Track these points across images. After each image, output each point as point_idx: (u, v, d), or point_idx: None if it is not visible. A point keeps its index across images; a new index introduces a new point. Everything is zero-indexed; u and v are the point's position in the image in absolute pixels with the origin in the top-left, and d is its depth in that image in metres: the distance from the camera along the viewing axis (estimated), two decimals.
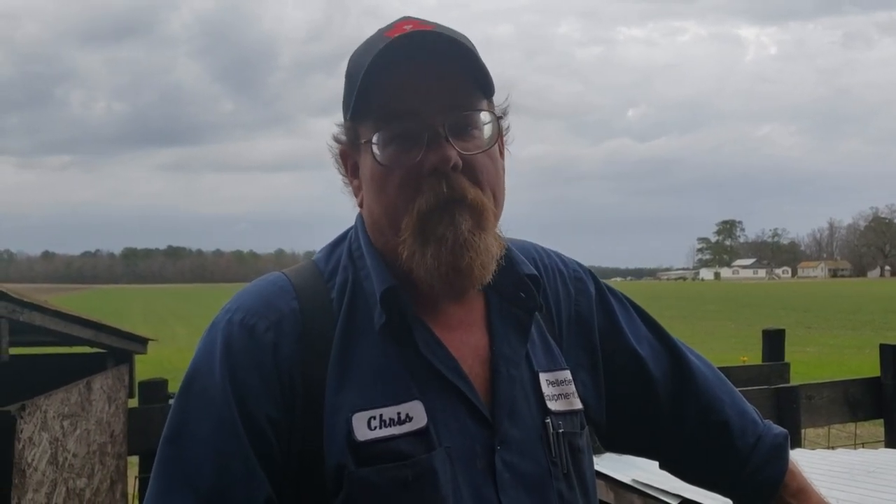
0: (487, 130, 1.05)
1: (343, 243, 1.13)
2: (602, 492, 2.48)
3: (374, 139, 1.01)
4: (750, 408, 1.30)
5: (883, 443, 4.36)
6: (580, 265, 1.29)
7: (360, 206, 1.10)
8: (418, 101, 1.00)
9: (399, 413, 0.99)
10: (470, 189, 1.01)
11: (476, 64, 1.01)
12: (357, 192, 1.11)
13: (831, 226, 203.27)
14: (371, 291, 1.05)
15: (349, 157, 1.11)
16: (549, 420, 1.09)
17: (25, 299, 2.78)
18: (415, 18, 1.05)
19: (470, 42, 1.05)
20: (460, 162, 1.00)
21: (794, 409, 3.87)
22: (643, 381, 1.24)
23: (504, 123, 1.08)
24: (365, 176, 1.06)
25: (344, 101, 1.08)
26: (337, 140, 1.11)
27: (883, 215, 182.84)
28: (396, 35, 1.00)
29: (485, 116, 1.04)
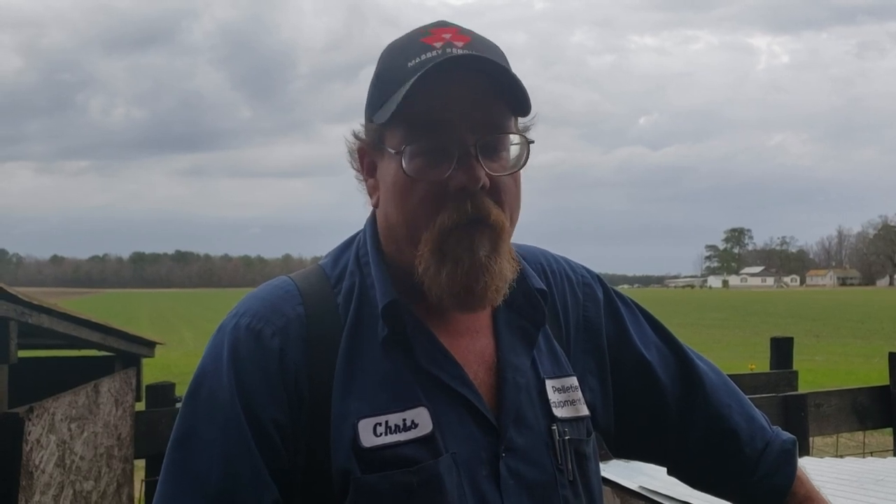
0: (514, 151, 1.04)
1: (350, 248, 1.13)
2: (608, 498, 2.47)
3: (404, 149, 1.00)
4: (758, 414, 1.30)
5: (892, 452, 4.33)
6: (588, 270, 1.29)
7: (375, 205, 1.10)
8: (453, 117, 0.99)
9: (405, 419, 0.99)
10: (493, 209, 1.01)
11: (515, 86, 1.00)
12: (372, 191, 1.10)
13: (840, 234, 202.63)
14: (377, 300, 1.05)
15: (367, 155, 1.09)
16: (555, 427, 1.08)
17: (35, 302, 2.79)
18: (452, 25, 1.05)
19: (506, 60, 1.04)
20: (489, 182, 1.00)
21: (801, 418, 3.85)
22: (651, 386, 1.24)
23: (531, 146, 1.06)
24: (385, 181, 1.05)
25: (371, 102, 1.06)
26: (357, 137, 1.10)
27: (892, 223, 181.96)
28: (436, 44, 1.01)
29: (514, 138, 1.04)
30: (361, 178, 1.13)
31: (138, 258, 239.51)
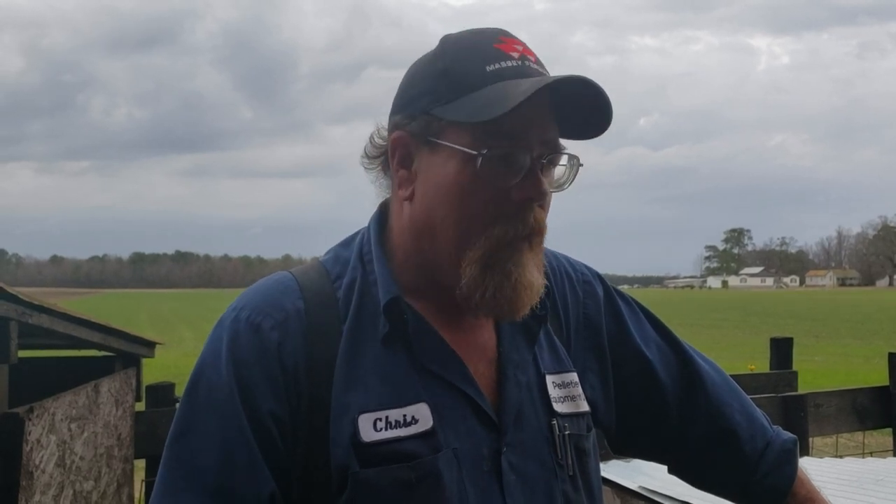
0: (560, 169, 1.07)
1: (352, 245, 1.13)
2: (608, 498, 2.47)
3: (485, 152, 0.98)
4: (759, 413, 1.30)
5: (892, 452, 4.34)
6: (588, 268, 1.29)
7: (407, 198, 1.06)
8: (530, 129, 1.00)
9: (405, 415, 0.99)
10: (545, 224, 1.04)
11: (607, 119, 1.02)
12: (404, 183, 1.07)
13: (839, 234, 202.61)
14: (378, 296, 1.05)
15: (406, 145, 1.06)
16: (555, 422, 1.09)
17: (35, 302, 2.79)
18: (515, 36, 1.05)
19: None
20: (549, 197, 1.03)
21: (801, 418, 3.85)
22: (651, 384, 1.24)
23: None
24: (436, 177, 1.02)
25: (433, 94, 1.02)
26: (398, 126, 1.06)
27: (892, 224, 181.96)
28: (512, 54, 1.01)
29: (564, 158, 1.06)
30: (374, 165, 1.12)
31: (138, 258, 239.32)
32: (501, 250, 1.00)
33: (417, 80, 1.06)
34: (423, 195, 1.04)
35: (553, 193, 1.06)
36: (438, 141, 1.02)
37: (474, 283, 1.01)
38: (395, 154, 1.07)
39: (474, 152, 0.99)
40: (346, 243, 1.15)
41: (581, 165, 1.07)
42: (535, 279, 1.03)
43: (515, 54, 1.02)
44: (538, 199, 1.01)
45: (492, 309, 1.03)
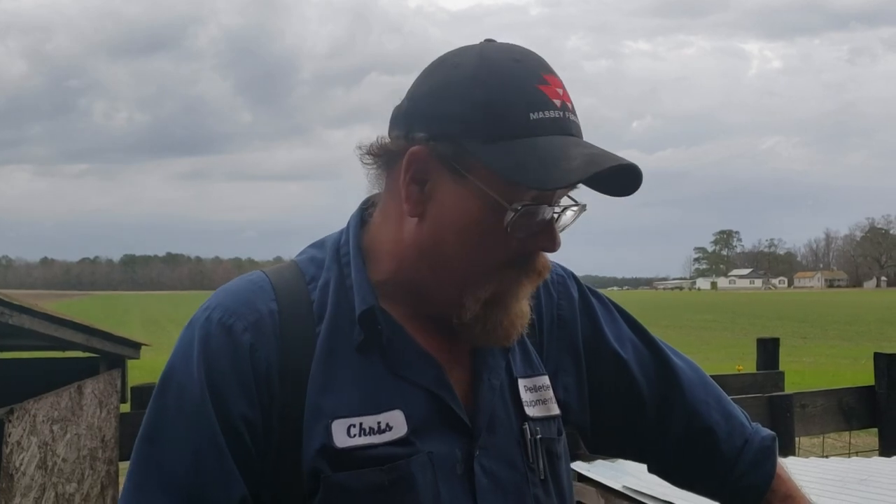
0: (569, 215, 1.06)
1: (326, 245, 1.11)
2: (593, 499, 2.47)
3: (520, 208, 0.96)
4: (737, 410, 1.29)
5: (877, 452, 4.35)
6: (563, 268, 1.28)
7: (415, 215, 1.01)
8: (559, 190, 1.00)
9: (379, 422, 0.98)
10: (548, 267, 1.06)
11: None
12: (413, 199, 1.01)
13: (827, 236, 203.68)
14: (354, 302, 1.03)
15: (425, 163, 0.99)
16: (526, 426, 1.08)
17: (15, 302, 2.77)
18: (555, 73, 1.01)
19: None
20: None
21: (787, 418, 3.86)
22: (627, 383, 1.23)
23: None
24: (458, 211, 0.98)
25: (468, 123, 0.96)
26: (420, 141, 0.99)
27: (879, 226, 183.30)
28: (554, 100, 0.97)
29: (575, 208, 1.06)
30: (373, 163, 1.06)
31: (129, 260, 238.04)
32: (506, 289, 1.02)
33: (451, 99, 0.98)
34: (436, 221, 1.00)
35: None
36: (468, 175, 0.97)
37: (475, 318, 1.02)
38: (410, 168, 0.99)
39: (507, 205, 0.96)
40: (320, 244, 1.13)
41: (584, 209, 1.06)
42: (527, 309, 1.06)
43: (557, 101, 0.98)
44: (554, 250, 1.02)
45: (488, 339, 1.04)
